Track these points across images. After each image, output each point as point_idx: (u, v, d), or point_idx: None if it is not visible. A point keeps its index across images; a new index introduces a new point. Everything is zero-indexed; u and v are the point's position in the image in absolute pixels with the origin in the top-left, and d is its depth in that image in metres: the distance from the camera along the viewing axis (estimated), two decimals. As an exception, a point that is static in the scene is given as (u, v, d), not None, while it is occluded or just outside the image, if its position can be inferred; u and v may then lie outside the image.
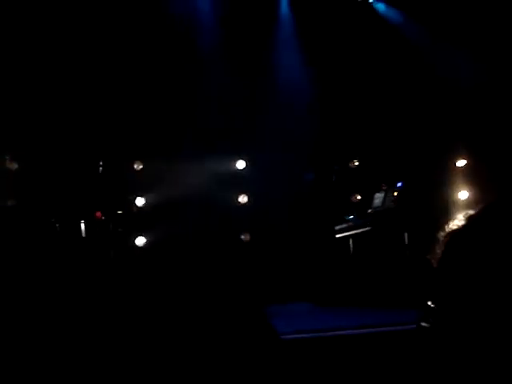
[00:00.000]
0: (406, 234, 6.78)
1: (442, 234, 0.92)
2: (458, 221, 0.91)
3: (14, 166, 7.68)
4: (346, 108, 8.65)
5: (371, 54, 8.64)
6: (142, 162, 8.85)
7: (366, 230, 7.42)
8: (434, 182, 7.36)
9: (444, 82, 8.16)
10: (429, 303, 0.88)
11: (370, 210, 7.70)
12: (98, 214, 7.76)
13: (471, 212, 0.90)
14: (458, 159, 7.95)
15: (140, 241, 8.21)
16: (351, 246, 7.85)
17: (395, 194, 7.36)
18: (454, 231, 0.89)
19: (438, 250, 0.90)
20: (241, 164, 9.26)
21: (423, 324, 0.90)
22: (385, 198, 7.49)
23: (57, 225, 7.09)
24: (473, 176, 7.09)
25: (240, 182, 9.11)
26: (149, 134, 8.53)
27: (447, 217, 0.91)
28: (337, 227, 8.07)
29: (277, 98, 8.84)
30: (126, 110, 8.40)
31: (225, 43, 8.73)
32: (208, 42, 8.83)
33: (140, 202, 8.77)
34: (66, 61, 8.02)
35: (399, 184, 7.44)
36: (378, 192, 7.72)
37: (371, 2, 9.14)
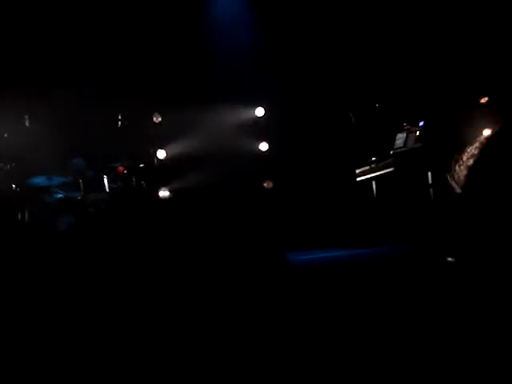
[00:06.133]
0: (429, 174, 6.70)
1: (461, 162, 0.88)
2: (474, 147, 0.86)
3: (32, 124, 7.73)
4: (364, 47, 8.46)
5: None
6: (161, 115, 8.84)
7: (389, 172, 7.36)
8: (456, 119, 7.21)
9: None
10: (455, 239, 0.85)
11: (392, 151, 7.61)
12: (121, 168, 7.80)
13: (484, 137, 0.85)
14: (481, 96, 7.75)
15: (163, 193, 8.27)
16: (374, 188, 7.81)
17: (418, 133, 7.25)
18: (475, 157, 0.85)
19: (461, 178, 0.87)
20: (260, 111, 9.19)
21: (449, 259, 0.87)
22: (407, 138, 7.38)
23: (80, 180, 7.17)
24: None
25: (260, 129, 9.06)
26: (166, 86, 8.48)
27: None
28: (358, 170, 8.02)
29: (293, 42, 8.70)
30: (141, 63, 8.35)
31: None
32: None
33: (161, 154, 8.80)
34: (85, 13, 8.02)
35: (421, 123, 7.32)
36: (400, 132, 7.60)
37: None
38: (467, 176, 0.84)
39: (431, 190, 6.62)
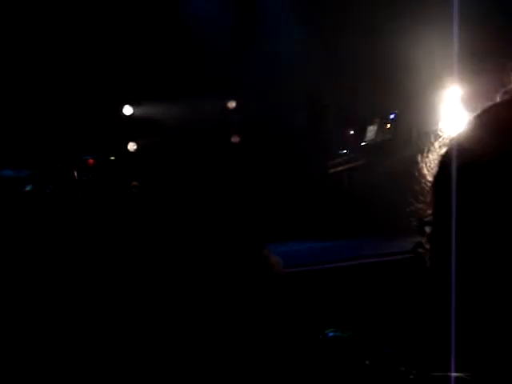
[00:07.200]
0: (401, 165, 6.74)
1: (433, 150, 0.88)
2: (447, 135, 0.86)
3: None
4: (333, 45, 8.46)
5: None
6: (133, 107, 8.76)
7: (360, 164, 7.41)
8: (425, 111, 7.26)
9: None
10: (426, 229, 0.85)
11: (363, 143, 7.67)
12: (91, 161, 7.71)
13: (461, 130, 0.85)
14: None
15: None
16: (346, 180, 7.85)
17: (388, 125, 7.31)
18: (446, 152, 0.85)
19: (433, 167, 0.86)
20: (232, 104, 9.18)
21: (420, 250, 0.87)
22: (378, 131, 7.44)
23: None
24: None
25: (232, 122, 9.04)
26: (140, 77, 8.41)
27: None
28: (331, 162, 8.06)
29: (267, 36, 8.69)
30: (115, 54, 8.25)
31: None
32: None
33: (132, 147, 8.73)
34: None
35: (392, 115, 7.38)
36: (371, 125, 7.66)
37: None
38: (439, 164, 0.84)
39: (402, 181, 6.64)
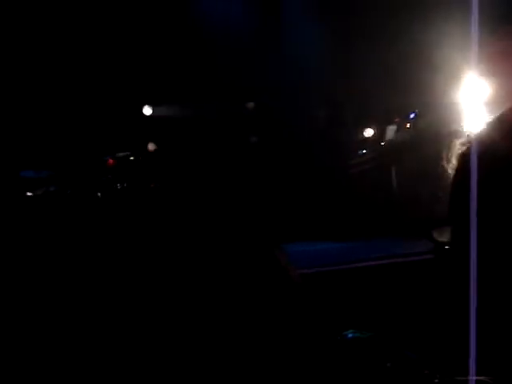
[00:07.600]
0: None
1: (453, 154, 0.86)
2: (470, 133, 0.85)
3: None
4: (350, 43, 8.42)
5: None
6: (152, 107, 8.80)
7: (379, 164, 7.37)
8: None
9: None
10: (446, 228, 0.83)
11: (383, 143, 7.63)
12: (111, 161, 7.76)
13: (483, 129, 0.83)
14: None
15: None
16: (365, 180, 7.81)
17: (408, 125, 7.26)
18: (465, 151, 0.83)
19: (451, 170, 0.85)
20: (250, 105, 9.18)
21: (440, 250, 0.85)
22: (397, 131, 7.40)
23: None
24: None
25: (252, 123, 9.03)
26: (160, 78, 8.44)
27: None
28: (351, 162, 8.02)
29: (285, 38, 8.68)
30: (135, 55, 8.29)
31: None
32: None
33: (151, 147, 8.75)
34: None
35: (412, 115, 7.34)
36: (391, 124, 7.62)
37: None
38: (460, 162, 0.83)
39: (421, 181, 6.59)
